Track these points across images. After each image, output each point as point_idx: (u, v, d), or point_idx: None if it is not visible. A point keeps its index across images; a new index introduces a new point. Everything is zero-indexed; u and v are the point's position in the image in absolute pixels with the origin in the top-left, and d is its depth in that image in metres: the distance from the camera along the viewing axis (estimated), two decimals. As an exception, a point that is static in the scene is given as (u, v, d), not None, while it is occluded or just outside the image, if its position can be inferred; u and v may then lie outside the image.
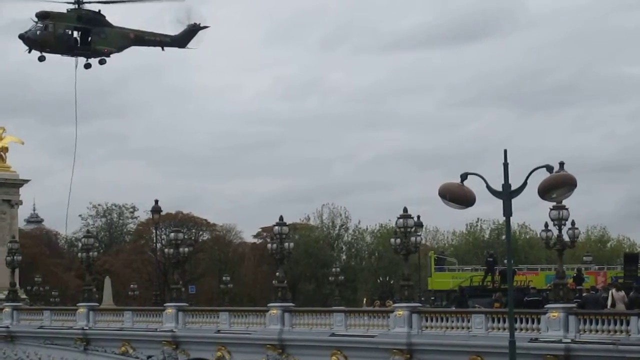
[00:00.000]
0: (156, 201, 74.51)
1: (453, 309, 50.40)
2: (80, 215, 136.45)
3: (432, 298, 68.59)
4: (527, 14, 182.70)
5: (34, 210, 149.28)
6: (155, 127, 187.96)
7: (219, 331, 49.62)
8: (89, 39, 67.02)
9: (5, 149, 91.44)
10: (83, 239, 62.17)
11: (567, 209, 40.00)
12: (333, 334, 44.98)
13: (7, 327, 60.74)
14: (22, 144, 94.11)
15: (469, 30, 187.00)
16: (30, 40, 65.23)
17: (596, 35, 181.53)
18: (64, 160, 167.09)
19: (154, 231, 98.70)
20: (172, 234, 55.08)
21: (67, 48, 66.74)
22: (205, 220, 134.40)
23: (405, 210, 44.54)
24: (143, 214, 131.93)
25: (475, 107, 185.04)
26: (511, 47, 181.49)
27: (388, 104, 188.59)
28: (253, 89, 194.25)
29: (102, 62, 67.81)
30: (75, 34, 67.00)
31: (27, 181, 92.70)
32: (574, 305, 39.76)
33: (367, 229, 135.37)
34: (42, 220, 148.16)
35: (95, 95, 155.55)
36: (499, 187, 24.39)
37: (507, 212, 24.31)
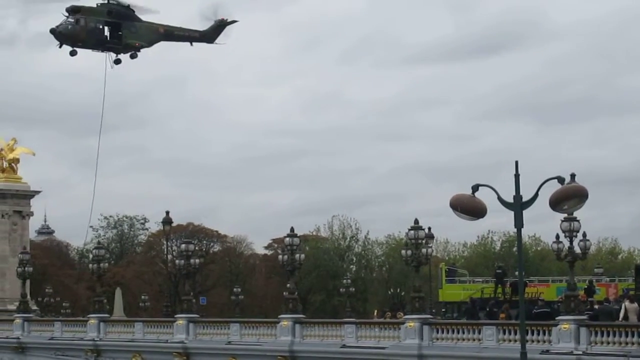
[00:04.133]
0: (167, 212, 74.28)
1: (464, 320, 50.30)
2: (91, 227, 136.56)
3: (443, 310, 68.47)
4: (547, 27, 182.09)
5: (45, 221, 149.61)
6: (174, 139, 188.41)
7: (229, 342, 49.59)
8: (120, 33, 67.07)
9: (17, 160, 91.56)
10: (94, 250, 62.12)
11: (578, 221, 39.94)
12: (344, 346, 44.92)
13: (18, 338, 60.80)
14: (34, 155, 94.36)
15: (490, 43, 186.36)
16: (62, 35, 65.07)
17: (616, 47, 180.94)
18: (82, 172, 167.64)
19: (164, 242, 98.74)
20: (183, 245, 55.13)
21: (98, 42, 66.65)
22: (216, 231, 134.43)
23: (416, 221, 44.53)
24: (154, 225, 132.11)
25: (493, 120, 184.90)
26: (531, 59, 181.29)
27: (407, 116, 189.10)
28: (273, 101, 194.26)
29: (133, 57, 67.89)
30: (106, 28, 67.04)
31: (38, 192, 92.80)
32: (585, 317, 39.66)
33: (376, 240, 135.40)
34: (53, 232, 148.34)
35: (115, 107, 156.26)
36: (512, 199, 24.36)
37: (519, 223, 24.28)
